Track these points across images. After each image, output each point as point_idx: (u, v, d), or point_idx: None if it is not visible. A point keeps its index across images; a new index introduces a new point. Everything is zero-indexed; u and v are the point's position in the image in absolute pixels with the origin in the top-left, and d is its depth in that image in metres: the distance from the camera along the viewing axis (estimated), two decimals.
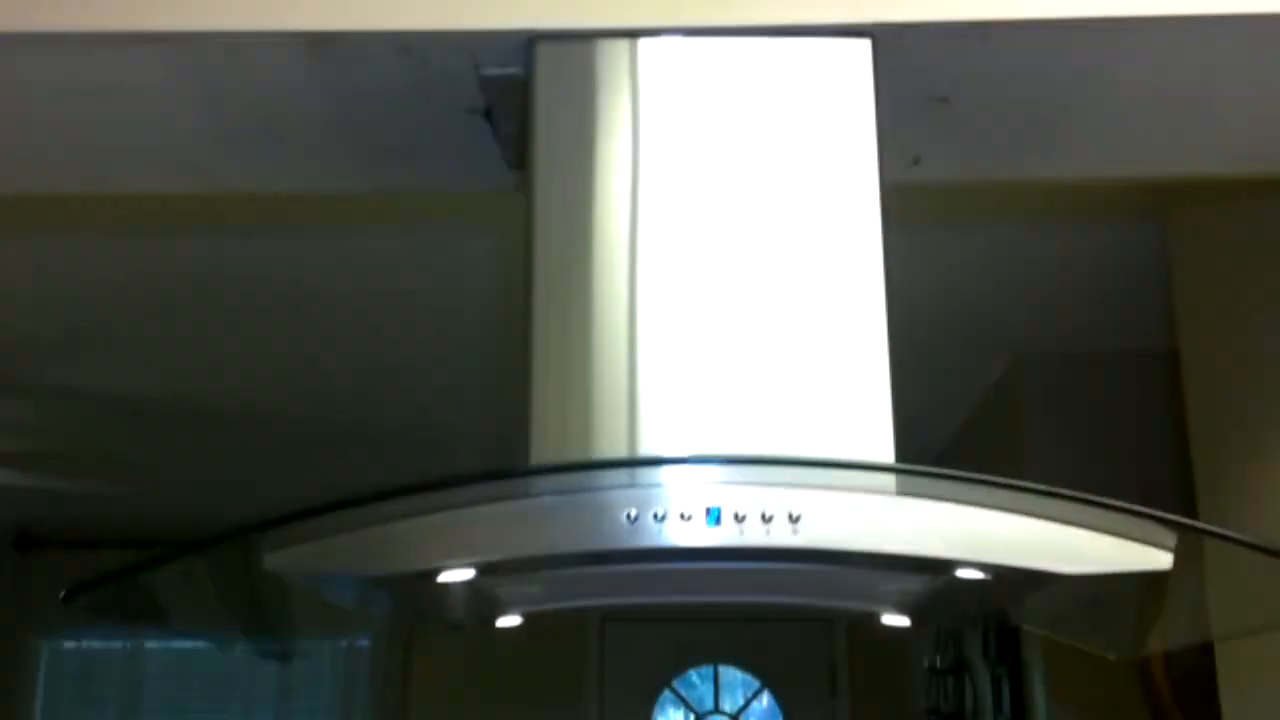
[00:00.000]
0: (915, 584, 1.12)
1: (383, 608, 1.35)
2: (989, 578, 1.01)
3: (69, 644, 5.15)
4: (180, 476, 4.30)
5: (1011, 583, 1.03)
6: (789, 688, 5.04)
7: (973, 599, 1.21)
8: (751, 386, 1.09)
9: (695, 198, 1.14)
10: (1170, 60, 1.25)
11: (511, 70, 1.20)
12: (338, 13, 1.16)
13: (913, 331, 2.81)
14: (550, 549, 0.97)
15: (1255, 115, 1.37)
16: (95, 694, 5.10)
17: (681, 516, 0.96)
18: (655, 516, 0.96)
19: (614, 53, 1.18)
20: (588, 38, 1.17)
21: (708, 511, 0.96)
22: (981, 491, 1.00)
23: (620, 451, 1.08)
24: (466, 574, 1.01)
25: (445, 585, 1.05)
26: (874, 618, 1.31)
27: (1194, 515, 2.00)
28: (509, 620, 1.29)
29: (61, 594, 0.87)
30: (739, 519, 0.96)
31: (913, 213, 2.21)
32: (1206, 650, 2.09)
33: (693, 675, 5.09)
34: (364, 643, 5.14)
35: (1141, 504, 0.96)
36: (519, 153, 1.31)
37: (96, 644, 5.17)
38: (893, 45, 1.19)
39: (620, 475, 1.02)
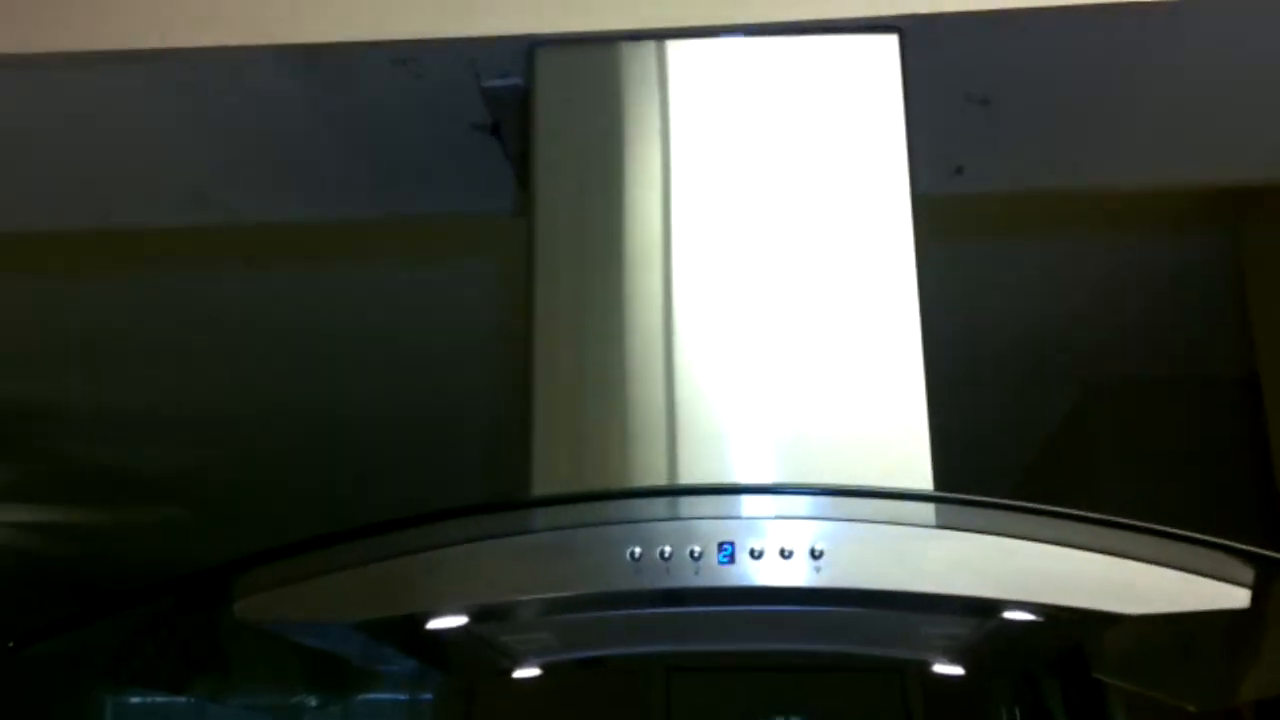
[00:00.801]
0: (962, 627, 1.01)
1: (388, 660, 1.26)
2: (1041, 619, 0.89)
3: (134, 699, 5.16)
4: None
5: (1068, 625, 0.92)
6: None
7: (1031, 644, 1.09)
8: (772, 409, 0.99)
9: (725, 210, 1.05)
10: (1237, 46, 1.14)
11: (513, 80, 1.13)
12: (328, 24, 1.10)
13: (977, 364, 2.71)
14: (545, 592, 0.88)
15: None
16: None
17: (691, 555, 0.87)
18: (661, 555, 0.86)
19: (621, 58, 1.10)
20: (591, 43, 1.10)
21: (719, 548, 0.87)
22: (1030, 522, 0.89)
23: (656, 480, 0.98)
24: (457, 620, 0.92)
25: (440, 633, 0.96)
26: (925, 666, 1.20)
27: None
28: (526, 672, 1.20)
29: (9, 644, 0.80)
30: (755, 556, 0.86)
31: (964, 229, 2.11)
32: None
33: None
34: (426, 696, 5.07)
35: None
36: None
37: (160, 699, 5.16)
38: (922, 40, 1.10)
39: (623, 508, 0.92)
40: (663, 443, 0.99)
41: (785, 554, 0.86)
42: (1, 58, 1.13)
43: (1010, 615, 0.89)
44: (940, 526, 0.91)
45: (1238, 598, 0.84)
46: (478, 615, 0.92)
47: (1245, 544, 0.85)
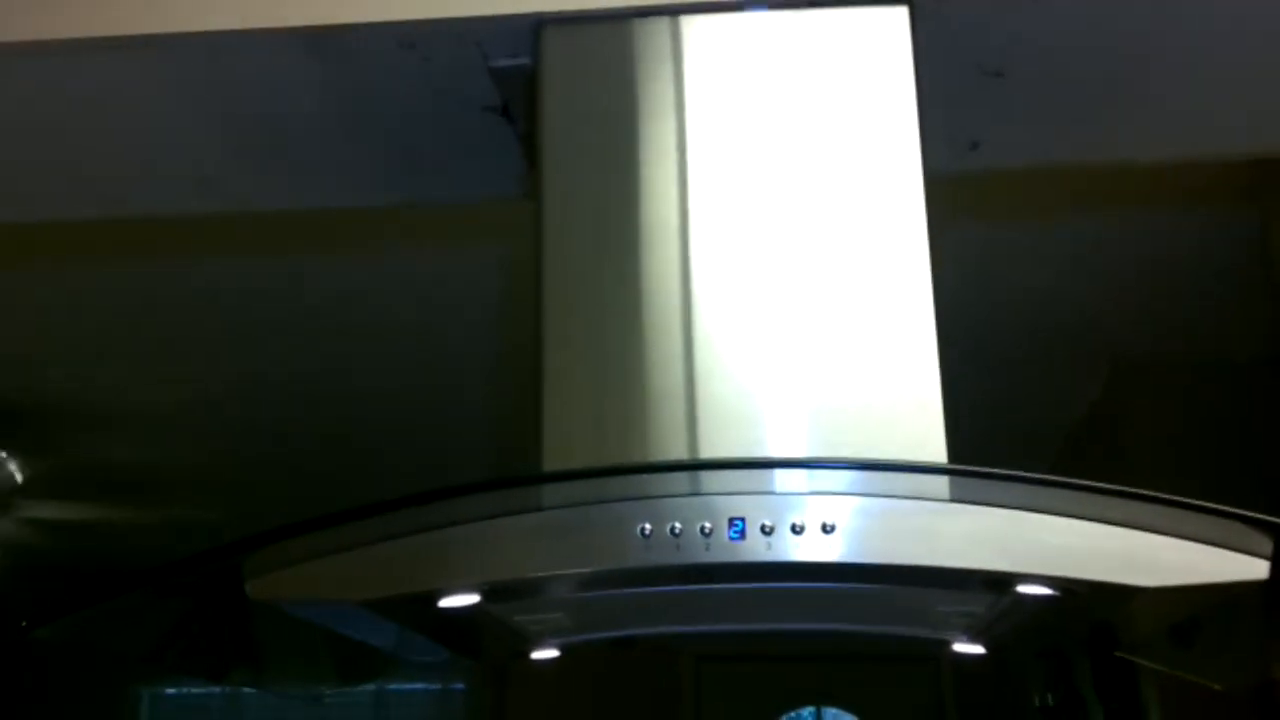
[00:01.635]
0: (978, 604, 1.00)
1: (413, 647, 1.26)
2: (1057, 594, 0.88)
3: (169, 690, 5.20)
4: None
5: (1086, 600, 0.90)
6: None
7: (1051, 622, 1.08)
8: (787, 385, 0.99)
9: (739, 186, 1.04)
10: (1258, 13, 1.12)
11: (521, 60, 1.13)
12: (334, 6, 1.10)
13: (1008, 345, 2.68)
14: (556, 569, 0.87)
15: None
16: None
17: (702, 531, 0.86)
18: (672, 532, 0.86)
19: (632, 34, 1.09)
20: (600, 20, 1.09)
21: (730, 524, 0.86)
22: (1045, 495, 0.88)
23: (675, 457, 0.98)
24: (469, 599, 0.92)
25: (453, 612, 0.96)
26: (944, 646, 1.19)
27: None
28: (544, 653, 1.20)
29: (22, 624, 0.80)
30: (766, 532, 0.86)
31: (993, 211, 2.08)
32: None
33: (800, 715, 4.91)
34: (459, 686, 5.09)
35: None
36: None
37: (196, 690, 5.21)
38: (932, 11, 1.09)
39: (634, 484, 0.92)
40: (682, 419, 0.99)
41: (797, 529, 0.85)
42: (6, 46, 1.13)
43: (1025, 590, 0.88)
44: (954, 500, 0.90)
45: (1257, 569, 0.82)
46: (490, 593, 0.92)
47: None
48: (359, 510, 0.88)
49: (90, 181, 1.34)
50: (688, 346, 1.01)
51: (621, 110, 1.07)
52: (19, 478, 3.70)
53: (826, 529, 0.85)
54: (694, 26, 1.09)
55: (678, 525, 0.86)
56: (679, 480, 0.93)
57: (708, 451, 0.98)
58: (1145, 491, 0.83)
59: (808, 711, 4.91)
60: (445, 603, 0.91)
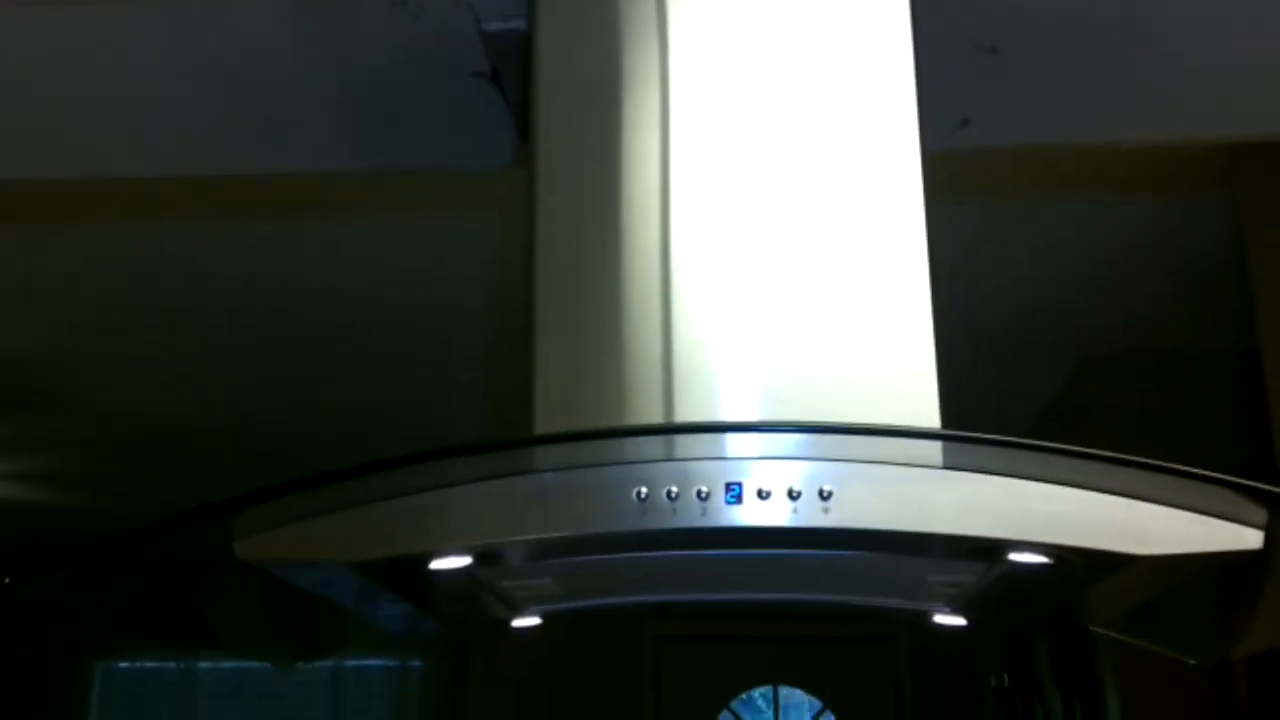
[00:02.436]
0: (967, 574, 1.00)
1: (382, 606, 1.25)
2: (1048, 562, 0.89)
3: (122, 664, 5.14)
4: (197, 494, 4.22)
5: (1075, 568, 0.91)
6: (852, 708, 4.87)
7: (1033, 592, 1.09)
8: (775, 354, 0.98)
9: (728, 152, 1.03)
10: None
11: (514, 24, 1.11)
12: None
13: (974, 333, 2.69)
14: (548, 532, 0.87)
15: None
16: (148, 714, 5.08)
17: (698, 495, 0.85)
18: (668, 496, 0.85)
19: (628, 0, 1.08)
20: None
21: (727, 488, 0.86)
22: (1040, 462, 0.89)
23: (653, 419, 0.97)
24: (461, 561, 0.91)
25: (441, 575, 0.95)
26: (926, 617, 1.19)
27: None
28: (525, 621, 1.19)
29: (6, 580, 0.78)
30: (762, 496, 0.85)
31: (963, 194, 2.09)
32: None
33: (753, 695, 4.95)
34: (417, 663, 5.07)
35: None
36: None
37: (150, 664, 5.15)
38: None
39: (628, 448, 0.91)
40: (676, 384, 0.98)
41: (793, 495, 0.85)
42: None
43: (1018, 557, 0.89)
44: (949, 467, 0.90)
45: (1251, 539, 0.83)
46: (481, 556, 0.91)
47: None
48: (350, 470, 0.87)
49: (68, 140, 1.31)
50: (668, 312, 1.00)
51: (612, 76, 1.06)
52: None
53: (823, 495, 0.85)
54: None
55: (674, 489, 0.85)
56: (676, 444, 0.93)
57: (702, 417, 0.97)
58: (1141, 459, 0.84)
59: (765, 690, 4.94)
60: (436, 565, 0.90)
